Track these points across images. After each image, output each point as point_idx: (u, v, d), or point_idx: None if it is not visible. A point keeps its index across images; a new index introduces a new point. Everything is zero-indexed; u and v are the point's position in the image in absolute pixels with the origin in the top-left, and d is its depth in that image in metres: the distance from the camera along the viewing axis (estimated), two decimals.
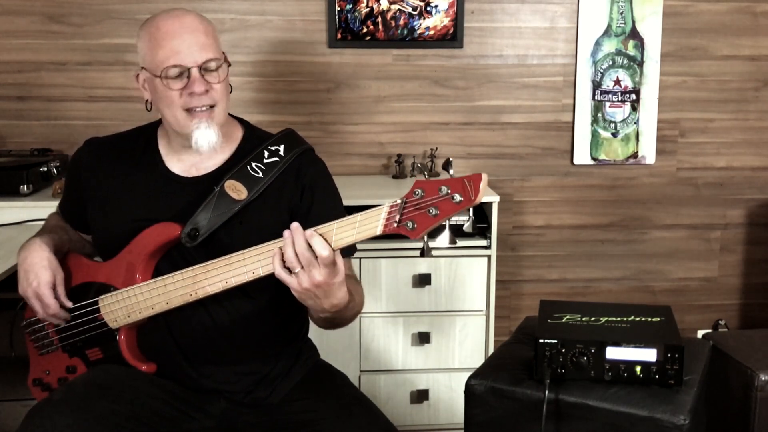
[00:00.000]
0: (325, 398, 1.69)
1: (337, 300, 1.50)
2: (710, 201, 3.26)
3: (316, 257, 1.44)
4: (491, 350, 2.76)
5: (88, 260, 1.77)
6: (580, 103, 3.14)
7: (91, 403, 1.52)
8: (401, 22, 3.02)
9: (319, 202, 1.72)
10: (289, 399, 1.72)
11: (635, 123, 3.16)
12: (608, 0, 3.08)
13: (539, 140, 3.16)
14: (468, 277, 2.74)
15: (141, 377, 1.66)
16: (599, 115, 3.15)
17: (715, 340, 2.33)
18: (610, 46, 3.11)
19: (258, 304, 1.69)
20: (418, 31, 3.03)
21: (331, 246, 1.44)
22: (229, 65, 1.70)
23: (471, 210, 1.45)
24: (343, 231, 1.46)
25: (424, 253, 1.48)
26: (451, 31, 3.04)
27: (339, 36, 3.01)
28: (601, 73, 3.12)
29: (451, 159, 1.44)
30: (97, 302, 1.69)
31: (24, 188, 2.58)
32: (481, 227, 2.75)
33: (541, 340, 1.77)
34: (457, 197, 1.37)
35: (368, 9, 3.00)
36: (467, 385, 1.85)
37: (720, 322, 3.34)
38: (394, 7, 3.00)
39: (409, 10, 3.01)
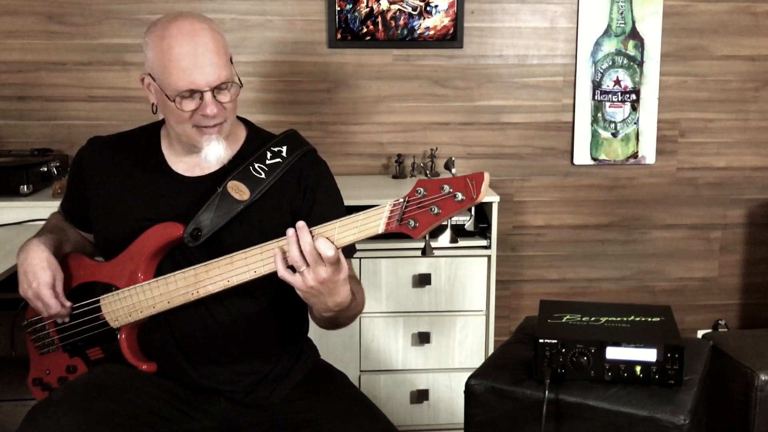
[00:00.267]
0: (326, 398, 1.69)
1: (341, 298, 1.50)
2: (710, 201, 3.26)
3: (321, 256, 1.43)
4: (491, 350, 2.76)
5: (89, 260, 1.77)
6: (580, 103, 3.14)
7: (91, 403, 1.52)
8: (401, 22, 3.02)
9: (321, 203, 1.73)
10: (290, 399, 1.72)
11: (635, 123, 3.16)
12: (608, 0, 3.08)
13: (539, 140, 3.16)
14: (468, 277, 2.74)
15: (141, 377, 1.66)
16: (599, 115, 3.15)
17: (715, 340, 2.33)
18: (610, 46, 3.11)
19: (259, 303, 1.69)
20: (418, 31, 3.03)
21: (334, 245, 1.44)
22: (241, 86, 1.67)
23: (473, 209, 1.45)
24: (346, 230, 1.46)
25: (426, 252, 1.48)
26: (451, 31, 3.04)
27: (339, 36, 3.01)
28: (601, 73, 3.12)
29: (453, 158, 1.44)
30: (98, 301, 1.69)
31: (24, 188, 2.58)
32: (482, 227, 2.75)
33: (541, 340, 1.77)
34: (459, 196, 1.38)
35: (368, 9, 3.00)
36: (467, 385, 1.85)
37: (720, 322, 3.34)
38: (394, 7, 3.00)
39: (409, 10, 3.01)
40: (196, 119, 1.63)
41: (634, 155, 3.18)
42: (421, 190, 1.41)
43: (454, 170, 1.43)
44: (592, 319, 1.88)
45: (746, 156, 3.25)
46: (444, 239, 1.46)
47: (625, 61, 3.12)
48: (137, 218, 1.69)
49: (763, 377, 2.21)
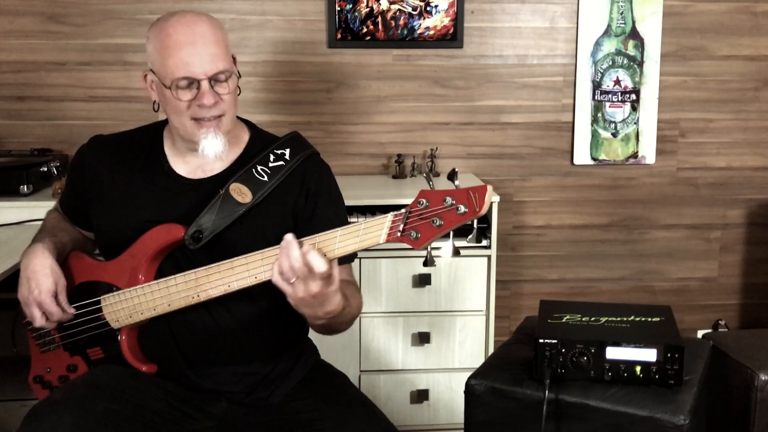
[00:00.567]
0: (326, 398, 1.69)
1: (332, 307, 1.50)
2: (710, 201, 3.26)
3: (312, 270, 1.43)
4: (491, 350, 2.76)
5: (90, 259, 1.77)
6: (580, 103, 3.14)
7: (92, 403, 1.52)
8: (401, 22, 3.02)
9: (323, 208, 1.72)
10: (290, 399, 1.72)
11: (635, 123, 3.16)
12: (608, 0, 3.08)
13: (539, 140, 3.16)
14: (468, 277, 2.74)
15: (142, 377, 1.66)
16: (599, 115, 3.15)
17: (715, 340, 2.33)
18: (610, 46, 3.11)
19: (260, 306, 1.69)
20: (418, 31, 3.03)
21: (326, 259, 1.43)
22: (239, 76, 1.68)
23: (475, 222, 1.45)
24: (347, 239, 1.46)
25: (428, 262, 1.47)
26: (451, 31, 3.04)
27: (339, 36, 3.01)
28: (601, 73, 3.12)
29: (456, 169, 1.44)
30: (99, 302, 1.69)
31: (24, 188, 2.58)
32: (481, 227, 2.75)
33: (541, 340, 1.77)
34: (462, 208, 1.38)
35: (368, 9, 3.00)
36: (467, 385, 1.85)
37: (720, 322, 3.34)
38: (394, 7, 3.00)
39: (409, 10, 3.01)
40: (193, 111, 1.63)
41: (634, 155, 3.18)
42: (424, 201, 1.40)
43: (457, 182, 1.42)
44: (592, 319, 1.88)
45: (746, 156, 3.24)
46: (446, 250, 1.46)
47: (625, 61, 3.12)
48: (139, 219, 1.68)
49: (763, 377, 2.21)
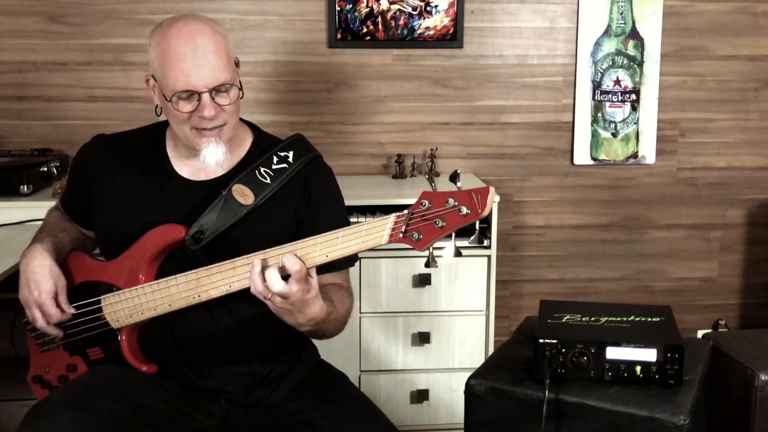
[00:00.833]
0: (326, 398, 1.69)
1: (313, 313, 1.51)
2: (710, 201, 3.27)
3: (286, 279, 1.44)
4: (491, 350, 2.76)
5: (91, 259, 1.77)
6: (580, 103, 3.14)
7: (92, 403, 1.52)
8: (401, 22, 3.02)
9: (325, 212, 1.73)
10: (290, 399, 1.72)
11: (635, 123, 3.16)
12: (608, 0, 3.08)
13: (539, 140, 3.16)
14: (468, 277, 2.74)
15: (141, 377, 1.66)
16: (599, 115, 3.15)
17: (715, 340, 2.33)
18: (610, 46, 3.11)
19: (261, 307, 1.68)
20: (418, 31, 3.03)
21: (301, 261, 1.45)
22: (241, 90, 1.66)
23: (477, 224, 1.46)
24: (349, 239, 1.46)
25: (430, 263, 1.48)
26: (451, 31, 3.04)
27: (339, 36, 3.01)
28: (601, 73, 3.12)
29: (458, 171, 1.44)
30: (99, 302, 1.69)
31: (24, 188, 2.58)
32: (481, 227, 2.75)
33: (541, 340, 1.77)
34: (464, 210, 1.38)
35: (368, 9, 3.00)
36: (467, 385, 1.85)
37: (720, 322, 3.34)
38: (394, 7, 3.00)
39: (409, 10, 3.01)
40: (194, 121, 1.62)
41: (634, 155, 3.18)
42: (426, 202, 1.41)
43: (459, 184, 1.42)
44: (592, 319, 1.88)
45: (746, 156, 3.25)
46: (448, 252, 1.46)
47: (625, 61, 3.12)
48: (140, 220, 1.68)
49: (763, 377, 2.21)
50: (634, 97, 3.14)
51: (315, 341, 1.90)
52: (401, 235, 1.42)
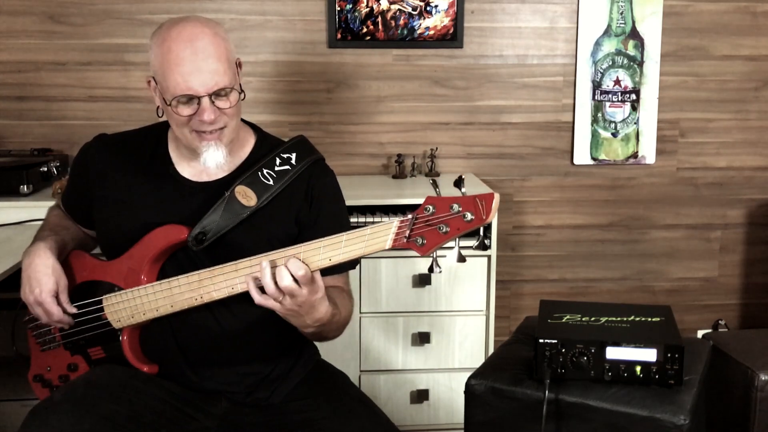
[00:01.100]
0: (326, 398, 1.69)
1: (320, 314, 1.52)
2: (710, 201, 3.27)
3: (297, 281, 1.45)
4: (491, 350, 2.76)
5: (92, 258, 1.77)
6: (580, 103, 3.14)
7: (93, 404, 1.53)
8: (401, 22, 3.02)
9: (327, 215, 1.73)
10: (290, 399, 1.72)
11: (635, 123, 3.16)
12: (608, 0, 3.08)
13: (539, 140, 3.16)
14: (468, 277, 2.74)
15: (142, 377, 1.66)
16: (599, 115, 3.15)
17: (715, 340, 2.33)
18: (610, 46, 3.11)
19: (263, 308, 1.68)
20: (418, 31, 3.03)
21: (305, 264, 1.46)
22: (242, 92, 1.66)
23: (481, 229, 1.46)
24: (352, 243, 1.46)
25: (432, 269, 1.48)
26: (451, 31, 3.04)
27: (339, 36, 3.01)
28: (601, 73, 3.12)
29: (463, 176, 1.44)
30: (101, 301, 1.69)
31: (24, 188, 2.58)
32: (483, 227, 2.74)
33: (541, 340, 1.77)
34: (469, 216, 1.38)
35: (368, 9, 3.00)
36: (467, 385, 1.85)
37: (720, 322, 3.34)
38: (394, 7, 3.00)
39: (409, 10, 3.01)
40: (194, 124, 1.62)
41: (634, 155, 3.18)
42: (430, 207, 1.41)
43: (464, 189, 1.42)
44: (592, 319, 1.88)
45: (746, 156, 3.25)
46: (451, 257, 1.46)
47: (625, 61, 3.12)
48: (142, 220, 1.68)
49: (763, 377, 2.21)
50: (634, 97, 3.14)
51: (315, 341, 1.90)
52: (405, 240, 1.42)
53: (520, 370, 1.85)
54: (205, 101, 1.59)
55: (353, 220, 2.59)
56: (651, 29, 3.10)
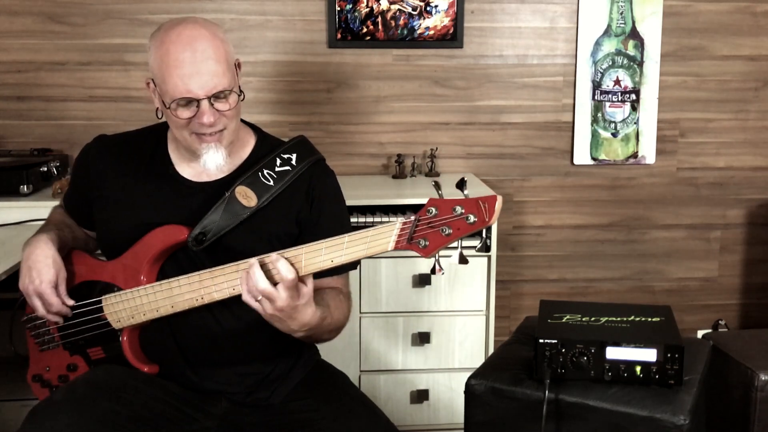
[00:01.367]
0: (326, 398, 1.69)
1: (305, 319, 1.52)
2: (710, 201, 3.27)
3: (277, 285, 1.45)
4: (491, 350, 2.76)
5: (92, 258, 1.77)
6: (580, 103, 3.14)
7: (92, 404, 1.53)
8: (401, 22, 3.02)
9: (327, 216, 1.72)
10: (290, 399, 1.72)
11: (635, 123, 3.16)
12: (608, 0, 3.08)
13: (539, 140, 3.16)
14: (468, 277, 2.74)
15: (142, 377, 1.66)
16: (599, 115, 3.15)
17: (715, 340, 2.33)
18: (610, 46, 3.11)
19: None
20: (418, 31, 3.03)
21: (296, 270, 1.46)
22: (241, 96, 1.65)
23: (484, 231, 1.46)
24: (354, 245, 1.46)
25: (435, 271, 1.48)
26: (451, 31, 3.04)
27: (339, 36, 3.01)
28: (601, 73, 3.12)
29: (465, 178, 1.44)
30: (100, 302, 1.69)
31: (24, 188, 2.58)
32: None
33: (541, 340, 1.77)
34: (472, 218, 1.38)
35: (368, 9, 3.00)
36: (467, 385, 1.85)
37: (720, 322, 3.34)
38: (394, 7, 3.00)
39: (409, 10, 3.01)
40: (193, 126, 1.62)
41: (634, 155, 3.18)
42: (433, 209, 1.41)
43: (466, 191, 1.42)
44: (592, 319, 1.88)
45: (746, 156, 3.25)
46: (453, 259, 1.46)
47: (625, 61, 3.12)
48: (141, 221, 1.68)
49: (763, 377, 2.21)
50: (634, 97, 3.14)
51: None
52: (407, 241, 1.42)
53: (520, 370, 1.85)
54: (205, 104, 1.59)
55: (353, 220, 2.59)
56: (651, 29, 3.10)
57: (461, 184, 1.43)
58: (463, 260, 1.45)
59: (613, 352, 1.75)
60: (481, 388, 1.82)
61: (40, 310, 1.68)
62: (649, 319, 1.88)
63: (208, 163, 1.65)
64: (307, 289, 1.49)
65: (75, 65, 2.99)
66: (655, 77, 3.13)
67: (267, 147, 1.76)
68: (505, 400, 1.80)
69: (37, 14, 2.95)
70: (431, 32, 3.04)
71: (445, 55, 3.08)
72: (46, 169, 2.71)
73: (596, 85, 3.13)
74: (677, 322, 1.90)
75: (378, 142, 3.12)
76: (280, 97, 3.06)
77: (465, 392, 1.85)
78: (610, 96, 3.14)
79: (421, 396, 2.78)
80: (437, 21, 3.03)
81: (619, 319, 1.88)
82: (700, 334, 3.23)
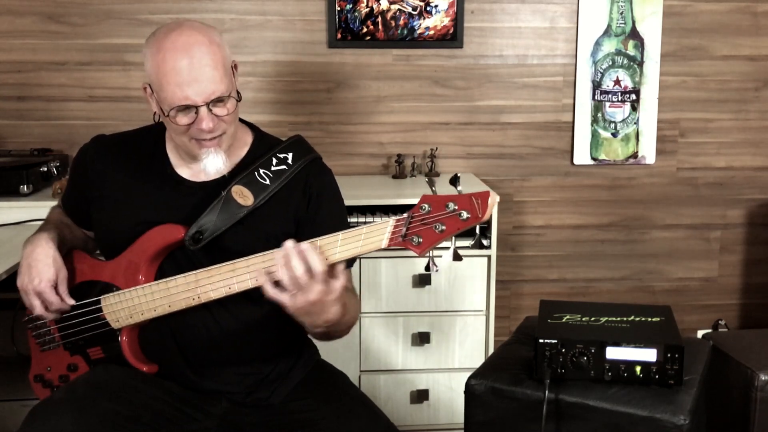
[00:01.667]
0: (326, 398, 1.69)
1: (331, 316, 1.51)
2: (710, 201, 3.27)
3: (312, 275, 1.43)
4: (491, 350, 2.76)
5: (91, 258, 1.77)
6: (580, 103, 3.14)
7: (92, 403, 1.53)
8: (401, 22, 3.02)
9: (325, 213, 1.72)
10: (290, 399, 1.72)
11: (635, 123, 3.16)
12: (608, 0, 3.08)
13: (539, 140, 3.16)
14: (468, 277, 2.74)
15: (142, 377, 1.66)
16: (599, 115, 3.15)
17: (715, 340, 2.33)
18: (610, 46, 3.11)
19: (262, 307, 1.68)
20: (418, 31, 3.03)
21: (325, 260, 1.44)
22: (239, 99, 1.65)
23: (477, 227, 1.46)
24: (348, 242, 1.46)
25: (430, 268, 1.47)
26: (451, 31, 3.04)
27: (339, 36, 3.01)
28: (601, 73, 3.12)
29: (459, 174, 1.44)
30: (99, 301, 1.69)
31: (24, 188, 2.58)
32: (482, 227, 2.74)
33: (541, 340, 1.77)
34: (465, 214, 1.38)
35: (368, 9, 3.00)
36: (467, 385, 1.85)
37: (720, 322, 3.34)
38: (394, 7, 3.00)
39: (409, 10, 3.01)
40: (192, 132, 1.61)
41: (634, 155, 3.18)
42: (426, 206, 1.40)
43: (459, 188, 1.42)
44: (592, 319, 1.88)
45: (746, 156, 3.25)
46: (447, 256, 1.46)
47: (625, 61, 3.12)
48: (140, 220, 1.68)
49: (763, 377, 2.21)
50: (634, 97, 3.14)
51: (315, 341, 1.90)
52: (401, 238, 1.42)
53: (520, 370, 1.85)
54: (203, 110, 1.58)
55: (353, 220, 2.59)
56: (651, 29, 3.10)
57: (454, 181, 1.43)
58: (457, 257, 1.45)
59: (613, 352, 1.75)
60: (481, 388, 1.82)
61: (38, 308, 1.68)
62: (649, 319, 1.88)
63: (209, 167, 1.65)
64: (336, 286, 1.47)
65: (75, 65, 2.99)
66: (655, 77, 3.13)
67: (264, 146, 1.76)
68: (505, 400, 1.80)
69: (37, 14, 2.95)
70: (431, 32, 3.04)
71: (445, 55, 3.08)
72: (46, 169, 2.71)
73: (596, 85, 3.13)
74: (677, 322, 1.90)
75: (378, 142, 3.12)
76: (280, 97, 3.06)
77: (465, 392, 1.85)
78: (610, 96, 3.14)
79: (421, 396, 2.78)
80: (437, 21, 3.03)
81: (619, 319, 1.88)
82: (700, 334, 3.23)
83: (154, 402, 1.62)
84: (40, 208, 2.39)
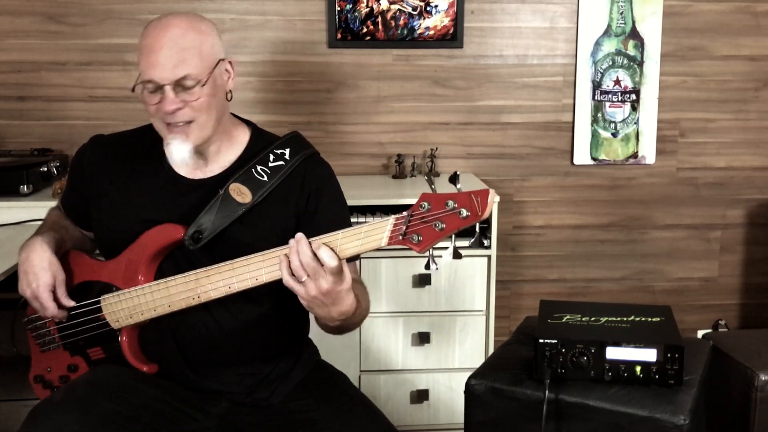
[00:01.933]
0: (326, 398, 1.69)
1: (345, 307, 1.50)
2: (710, 201, 3.27)
3: (323, 266, 1.43)
4: (491, 350, 2.76)
5: (90, 258, 1.77)
6: (580, 103, 3.14)
7: (93, 404, 1.53)
8: (401, 22, 3.02)
9: (325, 208, 1.72)
10: (290, 399, 1.72)
11: (635, 123, 3.16)
12: (608, 0, 3.08)
13: (539, 140, 3.16)
14: (468, 277, 2.74)
15: (142, 377, 1.66)
16: (599, 115, 3.15)
17: (715, 340, 2.33)
18: (610, 46, 3.11)
19: (261, 307, 1.69)
20: (418, 31, 3.03)
21: (338, 255, 1.44)
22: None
23: (477, 225, 1.46)
24: (348, 241, 1.46)
25: (429, 266, 1.47)
26: (451, 31, 3.04)
27: (339, 36, 3.01)
28: (601, 73, 3.12)
29: (458, 172, 1.44)
30: (99, 302, 1.69)
31: (24, 188, 2.58)
32: (482, 227, 2.74)
33: (541, 340, 1.77)
34: (464, 212, 1.38)
35: (368, 9, 3.00)
36: (467, 385, 1.85)
37: (720, 322, 3.34)
38: (394, 7, 3.00)
39: (409, 10, 3.01)
40: (160, 114, 1.62)
41: (634, 155, 3.18)
42: (426, 204, 1.40)
43: (459, 185, 1.42)
44: (592, 319, 1.88)
45: (746, 156, 3.25)
46: (447, 255, 1.46)
47: (625, 61, 3.12)
48: (138, 219, 1.68)
49: (763, 377, 2.21)
50: (634, 97, 3.14)
51: (315, 341, 1.90)
52: (401, 237, 1.42)
53: (520, 370, 1.85)
54: (168, 90, 1.59)
55: (353, 220, 2.59)
56: (651, 29, 3.10)
57: (454, 179, 1.43)
58: (457, 255, 1.45)
59: (613, 352, 1.75)
60: (481, 388, 1.82)
61: (41, 312, 1.68)
62: (649, 319, 1.88)
63: (174, 153, 1.64)
64: (348, 276, 1.47)
65: (75, 65, 2.99)
66: (655, 77, 3.13)
67: (261, 143, 1.76)
68: (505, 400, 1.80)
69: (37, 14, 2.95)
70: (431, 32, 3.04)
71: (445, 55, 3.08)
72: (46, 169, 2.71)
73: (596, 85, 3.13)
74: (677, 322, 1.90)
75: (378, 142, 3.12)
76: (280, 97, 3.06)
77: (465, 392, 1.85)
78: (610, 96, 3.14)
79: (421, 396, 2.78)
80: (437, 21, 3.03)
81: (619, 319, 1.88)
82: (700, 334, 3.23)
83: (154, 402, 1.62)
84: (40, 208, 2.38)
